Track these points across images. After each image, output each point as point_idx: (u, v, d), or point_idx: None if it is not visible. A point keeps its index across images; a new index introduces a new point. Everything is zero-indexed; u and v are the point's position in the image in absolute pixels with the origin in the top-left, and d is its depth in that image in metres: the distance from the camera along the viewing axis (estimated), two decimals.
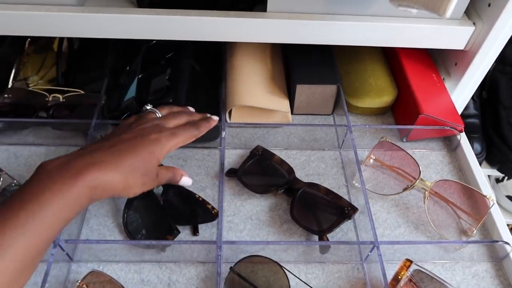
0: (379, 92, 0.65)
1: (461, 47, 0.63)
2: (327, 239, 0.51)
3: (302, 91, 0.63)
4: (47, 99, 0.62)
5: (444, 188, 0.56)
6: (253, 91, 0.62)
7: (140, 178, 0.41)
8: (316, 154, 0.62)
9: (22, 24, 0.56)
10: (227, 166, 0.59)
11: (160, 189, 0.54)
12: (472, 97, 0.85)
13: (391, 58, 0.69)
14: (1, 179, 0.51)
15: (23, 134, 0.61)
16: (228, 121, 0.63)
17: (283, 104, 0.63)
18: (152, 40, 0.66)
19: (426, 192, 0.55)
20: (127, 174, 0.39)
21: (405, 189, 0.56)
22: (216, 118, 0.52)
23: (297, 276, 0.48)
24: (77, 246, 0.49)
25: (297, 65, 0.64)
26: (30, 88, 0.63)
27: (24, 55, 0.69)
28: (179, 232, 0.50)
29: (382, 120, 0.67)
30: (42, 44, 0.70)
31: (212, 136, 0.61)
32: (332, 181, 0.59)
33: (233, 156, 0.61)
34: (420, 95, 0.61)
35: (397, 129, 0.65)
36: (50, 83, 0.67)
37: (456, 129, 0.61)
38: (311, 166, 0.60)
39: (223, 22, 0.57)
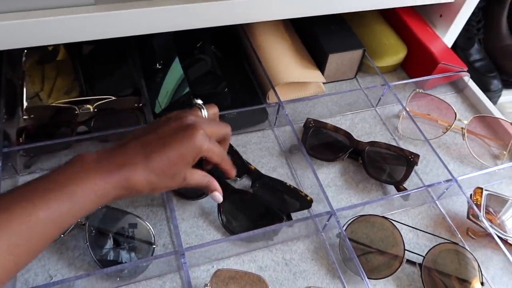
0: (394, 50, 0.70)
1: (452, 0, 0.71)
2: (404, 188, 0.56)
3: (333, 60, 0.66)
4: (76, 112, 0.56)
5: (473, 123, 0.64)
6: (290, 67, 0.64)
7: (166, 181, 0.39)
8: (357, 117, 0.66)
9: (38, 33, 0.50)
10: (282, 144, 0.61)
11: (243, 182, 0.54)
12: (476, 41, 0.95)
13: (391, 18, 0.75)
14: None
15: (62, 155, 0.55)
16: (268, 101, 0.64)
17: (318, 75, 0.65)
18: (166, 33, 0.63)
19: (464, 130, 0.62)
20: (153, 177, 0.38)
21: (445, 131, 0.63)
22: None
23: (403, 223, 0.52)
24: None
25: (322, 36, 0.66)
26: (55, 104, 0.56)
27: (24, 69, 0.60)
28: (284, 218, 0.51)
29: (396, 76, 0.74)
30: (40, 54, 0.62)
31: (261, 118, 0.62)
32: (380, 137, 0.64)
33: (284, 134, 0.62)
34: (432, 48, 0.68)
35: (413, 82, 0.71)
36: (67, 95, 0.60)
37: (464, 71, 0.70)
38: (357, 128, 0.65)
39: (242, 3, 0.56)
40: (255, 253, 0.50)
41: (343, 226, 0.50)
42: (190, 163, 0.39)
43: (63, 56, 0.64)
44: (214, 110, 0.45)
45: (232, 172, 0.46)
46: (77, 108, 0.56)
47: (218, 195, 0.45)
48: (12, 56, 0.61)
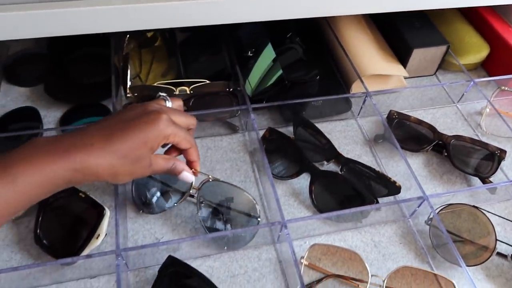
0: (477, 48, 0.70)
1: None
2: (490, 181, 0.57)
3: (417, 55, 0.67)
4: (174, 92, 0.60)
5: None
6: (374, 60, 0.65)
7: (129, 166, 0.37)
8: (438, 112, 0.67)
9: (143, 18, 0.54)
10: (366, 133, 0.63)
11: (329, 167, 0.56)
12: None
13: (472, 17, 0.75)
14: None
15: None
16: (351, 91, 0.66)
17: (401, 69, 0.67)
18: (258, 22, 0.66)
19: None
20: (114, 160, 0.36)
21: None
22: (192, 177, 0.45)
23: (494, 213, 0.53)
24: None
25: (406, 31, 0.67)
26: (155, 84, 0.61)
27: (126, 52, 0.65)
28: (374, 200, 0.52)
29: (477, 74, 0.74)
30: (140, 40, 0.67)
31: (345, 108, 0.64)
32: (463, 133, 0.64)
33: (368, 124, 0.64)
34: None
35: (494, 81, 0.71)
36: (163, 78, 0.65)
37: None
38: (439, 122, 0.65)
39: None
40: (345, 233, 0.52)
41: (431, 213, 0.51)
42: (154, 148, 0.39)
43: (159, 42, 0.69)
44: (179, 102, 0.47)
45: (197, 165, 0.44)
46: (175, 89, 0.61)
47: (188, 175, 0.43)
48: (116, 41, 0.66)
